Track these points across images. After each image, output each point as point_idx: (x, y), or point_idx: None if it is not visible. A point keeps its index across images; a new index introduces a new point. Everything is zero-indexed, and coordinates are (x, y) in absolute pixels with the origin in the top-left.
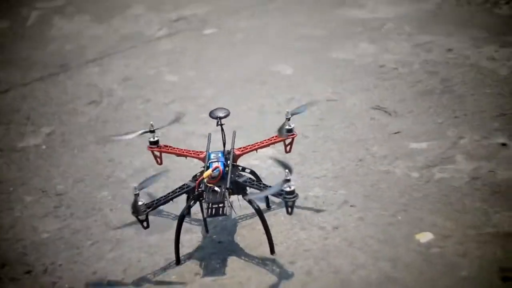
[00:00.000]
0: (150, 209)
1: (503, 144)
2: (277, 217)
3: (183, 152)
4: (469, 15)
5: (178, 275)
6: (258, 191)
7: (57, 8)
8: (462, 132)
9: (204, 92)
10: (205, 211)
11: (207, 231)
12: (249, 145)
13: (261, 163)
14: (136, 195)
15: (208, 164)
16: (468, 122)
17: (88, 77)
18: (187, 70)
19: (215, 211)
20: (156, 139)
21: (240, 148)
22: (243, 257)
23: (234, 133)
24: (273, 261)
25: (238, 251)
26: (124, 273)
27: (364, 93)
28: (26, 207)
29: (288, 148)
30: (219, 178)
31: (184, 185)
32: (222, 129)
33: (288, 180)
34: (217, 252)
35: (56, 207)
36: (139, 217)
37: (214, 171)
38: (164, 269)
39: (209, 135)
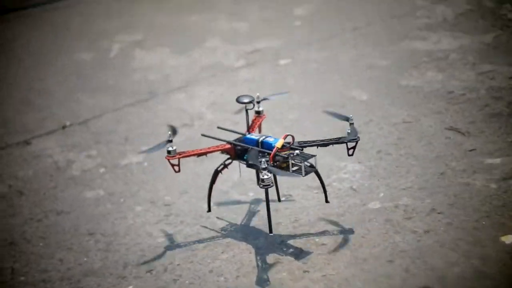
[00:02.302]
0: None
1: None
2: (371, 223)
3: (204, 150)
4: None
5: (288, 272)
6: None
7: (136, 42)
8: None
9: (287, 116)
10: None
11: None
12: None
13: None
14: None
15: (261, 140)
16: None
17: (177, 103)
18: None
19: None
20: (174, 148)
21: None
22: (345, 255)
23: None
24: (374, 258)
25: (340, 250)
26: (238, 271)
27: (437, 116)
28: (138, 215)
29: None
30: (289, 148)
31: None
32: (247, 114)
33: (352, 124)
34: (321, 253)
35: (166, 215)
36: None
37: (287, 138)
38: (273, 266)
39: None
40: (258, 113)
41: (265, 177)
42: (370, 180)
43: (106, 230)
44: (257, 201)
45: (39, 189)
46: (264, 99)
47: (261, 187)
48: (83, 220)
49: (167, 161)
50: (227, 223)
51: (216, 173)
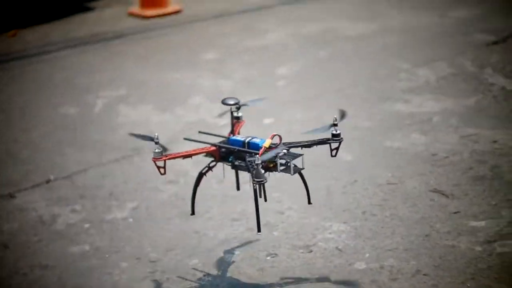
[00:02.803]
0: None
1: None
2: (357, 284)
3: (189, 152)
4: (508, 110)
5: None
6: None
7: (120, 97)
8: None
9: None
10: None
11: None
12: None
13: None
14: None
15: (248, 141)
16: None
17: None
18: None
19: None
20: (160, 150)
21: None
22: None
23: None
24: None
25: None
26: None
27: (421, 177)
28: (124, 272)
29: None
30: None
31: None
32: (232, 116)
33: (336, 125)
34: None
35: (151, 272)
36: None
37: (274, 138)
38: None
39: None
40: (237, 118)
41: (259, 173)
42: (356, 241)
43: (92, 286)
44: (242, 259)
45: (24, 243)
46: (244, 105)
47: (254, 184)
48: (68, 275)
49: (156, 216)
50: (216, 283)
51: (201, 175)
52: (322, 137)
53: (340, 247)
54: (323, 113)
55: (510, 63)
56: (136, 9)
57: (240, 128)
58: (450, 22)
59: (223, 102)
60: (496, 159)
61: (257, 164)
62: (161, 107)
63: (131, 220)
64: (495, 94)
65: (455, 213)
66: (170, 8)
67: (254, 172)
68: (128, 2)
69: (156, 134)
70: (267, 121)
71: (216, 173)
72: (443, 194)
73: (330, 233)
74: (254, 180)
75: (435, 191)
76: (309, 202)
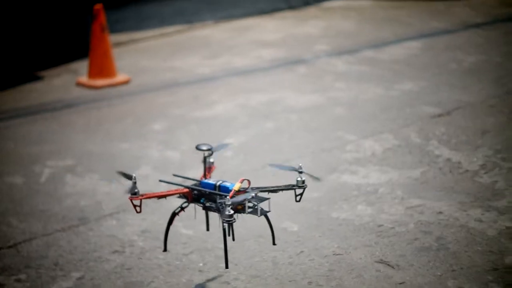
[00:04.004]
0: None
1: None
2: None
3: (164, 193)
4: (453, 182)
5: None
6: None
7: (68, 167)
8: (461, 283)
9: (219, 244)
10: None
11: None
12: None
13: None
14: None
15: (219, 184)
16: (465, 275)
17: (108, 229)
18: (199, 224)
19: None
20: (137, 190)
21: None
22: None
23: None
24: None
25: None
26: None
27: (367, 249)
28: None
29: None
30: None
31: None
32: (205, 161)
33: (301, 172)
34: None
35: None
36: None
37: (243, 182)
38: None
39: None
40: (210, 163)
41: (229, 213)
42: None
43: None
44: None
45: None
46: (210, 150)
47: (224, 223)
48: None
49: None
50: None
51: (173, 215)
52: (287, 184)
53: None
54: (269, 184)
55: (455, 135)
56: (84, 79)
57: (211, 172)
58: (396, 95)
59: (197, 148)
60: (442, 230)
61: (226, 205)
62: (108, 177)
63: None
64: (440, 166)
65: (400, 283)
66: (118, 78)
67: (225, 212)
68: (77, 72)
69: (134, 175)
70: None
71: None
72: (388, 265)
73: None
74: (224, 220)
75: (380, 261)
76: (274, 243)
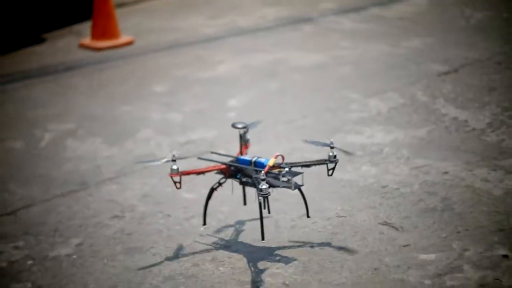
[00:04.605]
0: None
1: (505, 256)
2: None
3: (203, 169)
4: (459, 141)
5: None
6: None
7: (69, 131)
8: (466, 245)
9: (220, 208)
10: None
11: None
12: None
13: None
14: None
15: (254, 160)
16: (470, 236)
17: (108, 194)
18: (202, 188)
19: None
20: (176, 167)
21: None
22: None
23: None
24: None
25: None
26: None
27: (371, 210)
28: None
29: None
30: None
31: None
32: (241, 138)
33: (333, 147)
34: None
35: None
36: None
37: (277, 157)
38: None
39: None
40: (246, 141)
41: (264, 187)
42: (303, 276)
43: None
44: None
45: None
46: (245, 128)
47: (260, 196)
48: None
49: (100, 253)
50: None
51: (212, 190)
52: (319, 159)
53: (287, 282)
54: (272, 145)
55: (462, 93)
56: (87, 40)
57: (247, 149)
58: (402, 53)
59: (233, 126)
60: (447, 190)
61: (262, 179)
62: (109, 141)
63: (75, 257)
64: (446, 124)
65: (404, 246)
66: (121, 40)
67: (260, 186)
68: (80, 34)
69: (174, 152)
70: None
71: (152, 210)
72: (392, 227)
73: (277, 268)
74: (259, 194)
75: (384, 224)
76: (308, 216)
